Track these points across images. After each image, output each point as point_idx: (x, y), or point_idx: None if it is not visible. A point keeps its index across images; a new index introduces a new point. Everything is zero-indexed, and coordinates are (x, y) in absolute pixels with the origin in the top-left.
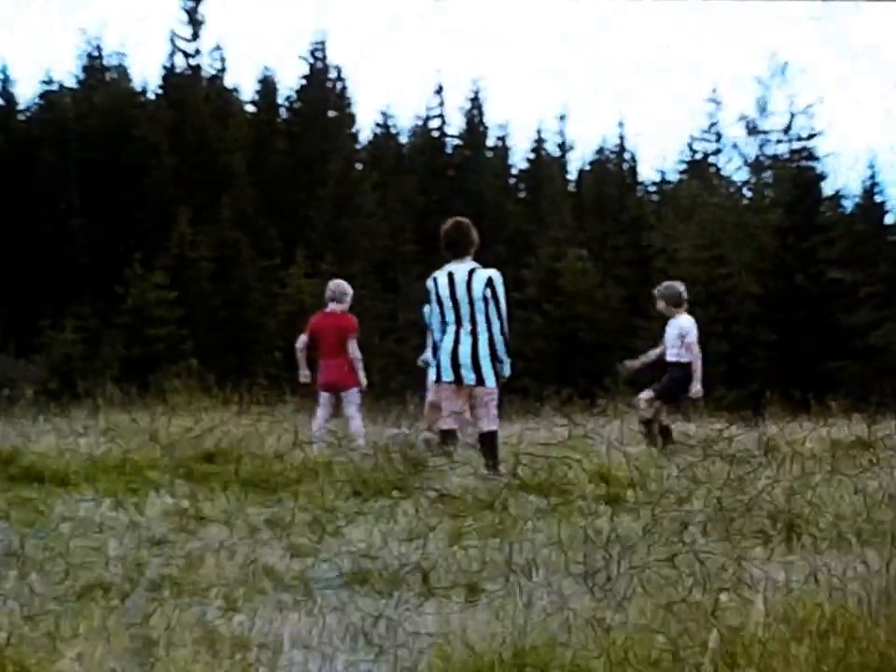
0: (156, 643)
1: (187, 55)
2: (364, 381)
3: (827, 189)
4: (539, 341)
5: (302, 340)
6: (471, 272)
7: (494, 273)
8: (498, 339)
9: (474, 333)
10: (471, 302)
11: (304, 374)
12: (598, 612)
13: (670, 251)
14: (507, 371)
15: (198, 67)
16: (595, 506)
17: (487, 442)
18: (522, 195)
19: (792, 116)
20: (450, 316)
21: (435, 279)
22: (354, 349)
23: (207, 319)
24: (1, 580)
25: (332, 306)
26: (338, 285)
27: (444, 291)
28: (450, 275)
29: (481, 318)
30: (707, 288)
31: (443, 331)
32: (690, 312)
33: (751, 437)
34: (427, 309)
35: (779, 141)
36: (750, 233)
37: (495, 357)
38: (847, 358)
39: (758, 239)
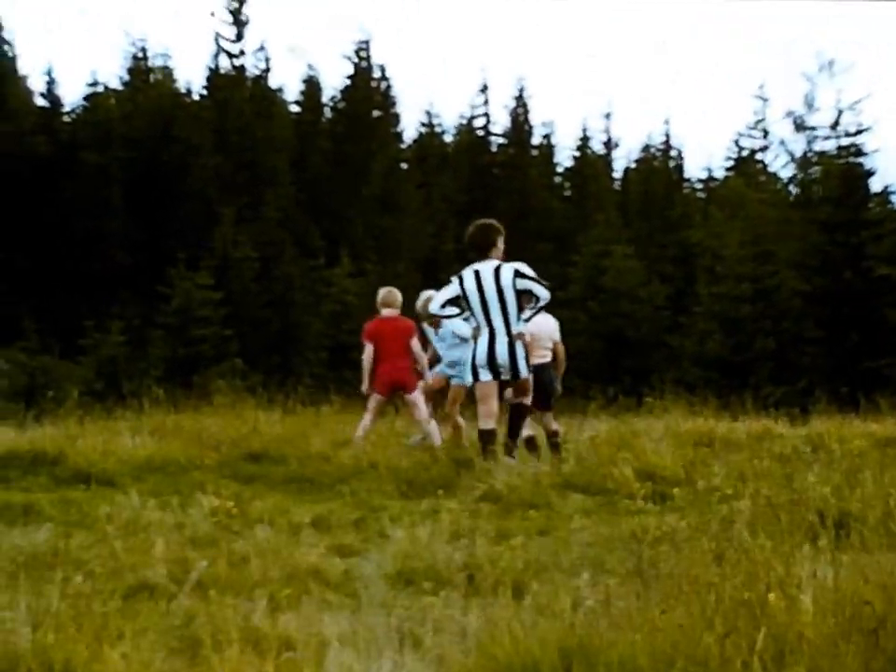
0: (202, 643)
1: (231, 55)
2: (429, 379)
3: (875, 184)
4: (583, 339)
5: (370, 350)
6: (497, 268)
7: (520, 264)
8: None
9: (507, 330)
10: (502, 299)
11: (366, 387)
12: (645, 611)
13: (716, 248)
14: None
15: (242, 68)
16: (642, 504)
17: (524, 413)
18: (567, 193)
19: (840, 112)
20: (480, 315)
21: (461, 277)
22: (418, 349)
23: (251, 319)
24: (47, 581)
25: (387, 311)
26: (390, 291)
27: (472, 289)
28: (476, 273)
29: (513, 313)
30: (754, 285)
31: (475, 330)
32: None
33: (799, 434)
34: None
35: (827, 137)
36: (797, 230)
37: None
38: (895, 355)
39: (805, 235)
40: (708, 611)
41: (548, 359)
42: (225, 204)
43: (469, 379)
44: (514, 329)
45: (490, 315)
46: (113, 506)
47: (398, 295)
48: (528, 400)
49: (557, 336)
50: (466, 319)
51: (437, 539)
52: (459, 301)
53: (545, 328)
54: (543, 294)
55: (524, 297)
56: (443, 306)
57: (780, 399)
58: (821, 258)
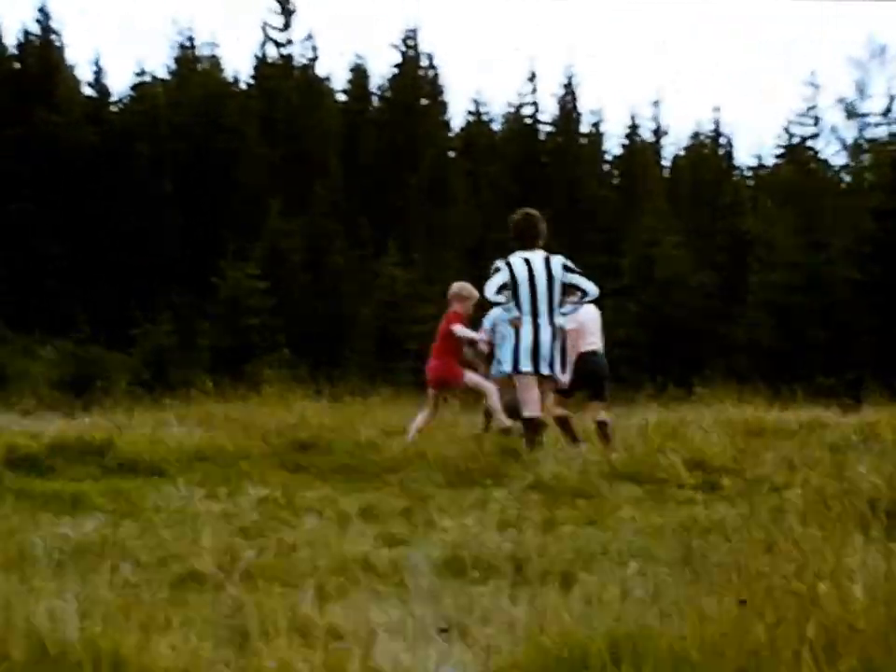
0: (250, 633)
1: (278, 45)
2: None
3: None
4: (633, 329)
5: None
6: (547, 258)
7: (563, 257)
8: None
9: (552, 321)
10: (550, 290)
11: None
12: (695, 601)
13: (767, 237)
14: None
15: (289, 57)
16: (691, 494)
17: (537, 429)
18: (615, 182)
19: (892, 98)
20: (526, 304)
21: (510, 264)
22: (464, 333)
23: (299, 309)
24: (95, 570)
25: (452, 306)
26: (452, 285)
27: (523, 276)
28: (527, 262)
29: (556, 305)
30: (805, 274)
31: (518, 318)
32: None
33: (851, 423)
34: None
35: (878, 124)
36: (849, 218)
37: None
38: None
39: (857, 223)
40: (758, 601)
41: (598, 346)
42: (273, 194)
43: (507, 368)
44: (557, 322)
45: (538, 305)
46: (161, 496)
47: (453, 287)
48: (538, 410)
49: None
50: (508, 309)
51: (485, 529)
52: (506, 288)
53: (593, 315)
54: (592, 290)
55: (569, 290)
56: (498, 292)
57: (831, 388)
58: (874, 246)
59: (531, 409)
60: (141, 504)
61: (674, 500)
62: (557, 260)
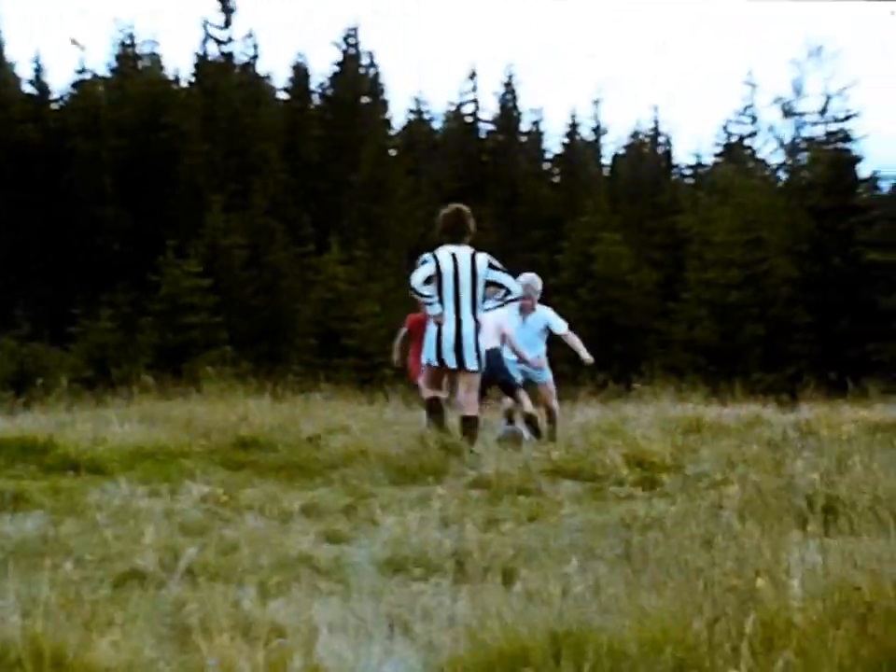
0: (191, 630)
1: (219, 42)
2: None
3: (864, 170)
4: (573, 325)
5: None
6: (473, 254)
7: (489, 255)
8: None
9: (474, 316)
10: (474, 285)
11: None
12: (635, 597)
13: (705, 235)
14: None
15: (230, 54)
16: (631, 490)
17: (471, 427)
18: (556, 180)
19: (828, 97)
20: (449, 298)
21: (436, 257)
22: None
23: (241, 306)
24: (37, 568)
25: None
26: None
27: (448, 270)
28: (453, 256)
29: (480, 300)
30: (743, 271)
31: (440, 314)
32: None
33: (788, 420)
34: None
35: (815, 123)
36: (787, 216)
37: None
38: (885, 341)
39: (794, 221)
40: (697, 597)
41: (495, 345)
42: (214, 192)
43: (431, 361)
44: (479, 318)
45: (461, 300)
46: (103, 493)
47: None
48: (475, 410)
49: (506, 327)
50: (430, 304)
51: (427, 526)
52: (431, 281)
53: (494, 318)
54: (515, 289)
55: (490, 288)
56: (424, 283)
57: (769, 384)
58: (811, 244)
59: (429, 391)
60: (82, 502)
61: (614, 497)
62: (483, 257)
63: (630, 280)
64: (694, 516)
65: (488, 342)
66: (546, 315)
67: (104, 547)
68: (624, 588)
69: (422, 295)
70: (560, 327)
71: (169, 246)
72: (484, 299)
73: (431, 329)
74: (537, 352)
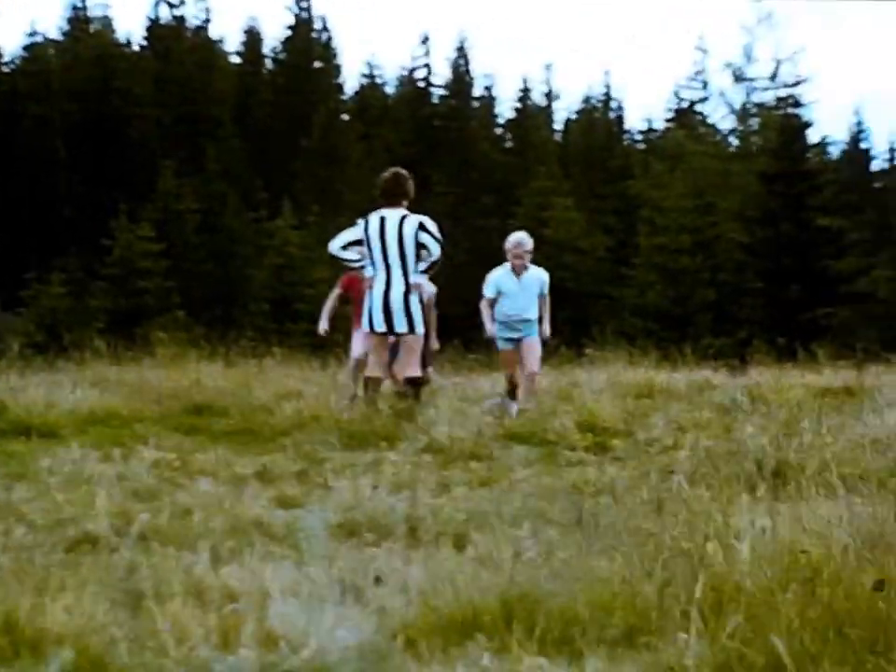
0: (144, 595)
1: (171, 6)
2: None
3: (813, 136)
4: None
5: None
6: (403, 217)
7: (425, 218)
8: (421, 279)
9: (405, 278)
10: (402, 247)
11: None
12: (586, 562)
13: (656, 200)
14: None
15: (182, 18)
16: (583, 456)
17: (415, 386)
18: (508, 145)
19: (778, 63)
20: (378, 261)
21: (367, 221)
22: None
23: (194, 271)
24: None
25: None
26: None
27: (374, 233)
28: (381, 220)
29: (411, 263)
30: (693, 237)
31: (372, 277)
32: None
33: (738, 385)
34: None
35: (766, 88)
36: (737, 181)
37: (422, 302)
38: (834, 305)
39: (744, 187)
40: (648, 562)
41: None
42: (167, 156)
43: (365, 327)
44: (412, 280)
45: (389, 262)
46: (55, 458)
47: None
48: (417, 370)
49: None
50: (363, 266)
51: (379, 491)
52: (362, 247)
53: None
54: (435, 251)
55: (422, 251)
56: (344, 248)
57: (720, 349)
58: (761, 209)
59: (371, 369)
60: (34, 467)
61: (566, 462)
62: (414, 219)
63: (582, 245)
64: (645, 481)
65: None
66: (541, 277)
67: (56, 512)
68: (576, 553)
69: (343, 259)
70: (545, 291)
71: (121, 211)
72: (419, 260)
73: (366, 295)
74: (532, 311)
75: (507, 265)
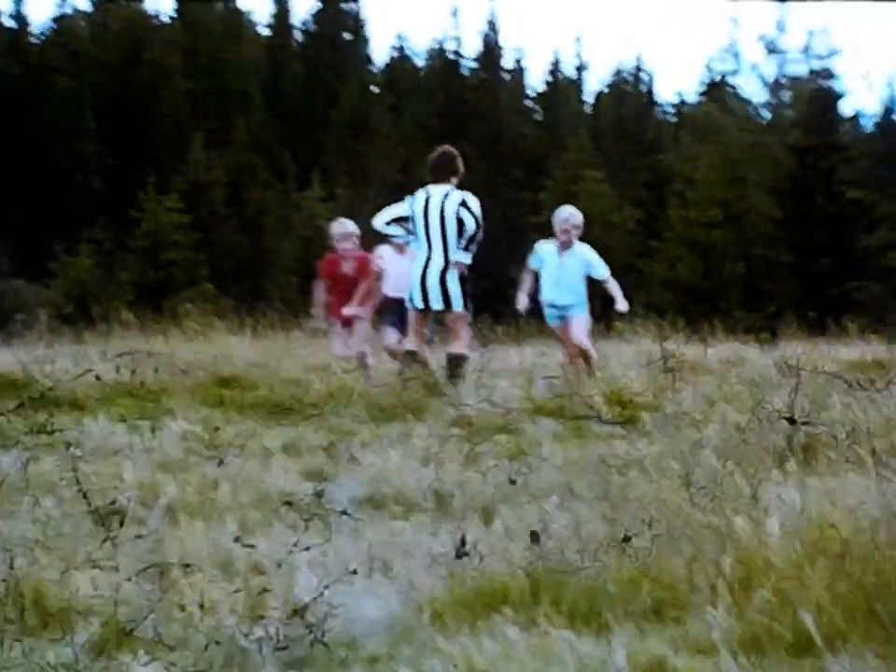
0: (171, 567)
1: None
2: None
3: (846, 108)
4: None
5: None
6: (447, 194)
7: (468, 195)
8: (462, 255)
9: (445, 256)
10: (443, 224)
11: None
12: (613, 536)
13: (687, 173)
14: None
15: None
16: (611, 429)
17: (454, 363)
18: (538, 118)
19: (811, 35)
20: (421, 238)
21: (413, 197)
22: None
23: (222, 244)
24: (16, 505)
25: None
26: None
27: (419, 210)
28: (427, 196)
29: (452, 240)
30: (724, 210)
31: (415, 254)
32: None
33: (768, 358)
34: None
35: (798, 61)
36: (769, 155)
37: (464, 280)
38: (865, 279)
39: (776, 160)
40: (676, 536)
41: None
42: (196, 128)
43: (407, 303)
44: (452, 257)
45: (430, 239)
46: (83, 431)
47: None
48: (461, 347)
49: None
50: (408, 242)
51: (407, 464)
52: (407, 223)
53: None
54: (470, 227)
55: (463, 226)
56: (388, 224)
57: (750, 323)
58: (792, 182)
59: (409, 342)
60: (62, 438)
61: (594, 436)
62: (457, 196)
63: (612, 218)
64: (674, 455)
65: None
66: (587, 257)
67: (84, 484)
68: (603, 527)
69: (388, 234)
70: (602, 272)
71: (150, 183)
72: (461, 237)
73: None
74: (573, 294)
75: (554, 241)
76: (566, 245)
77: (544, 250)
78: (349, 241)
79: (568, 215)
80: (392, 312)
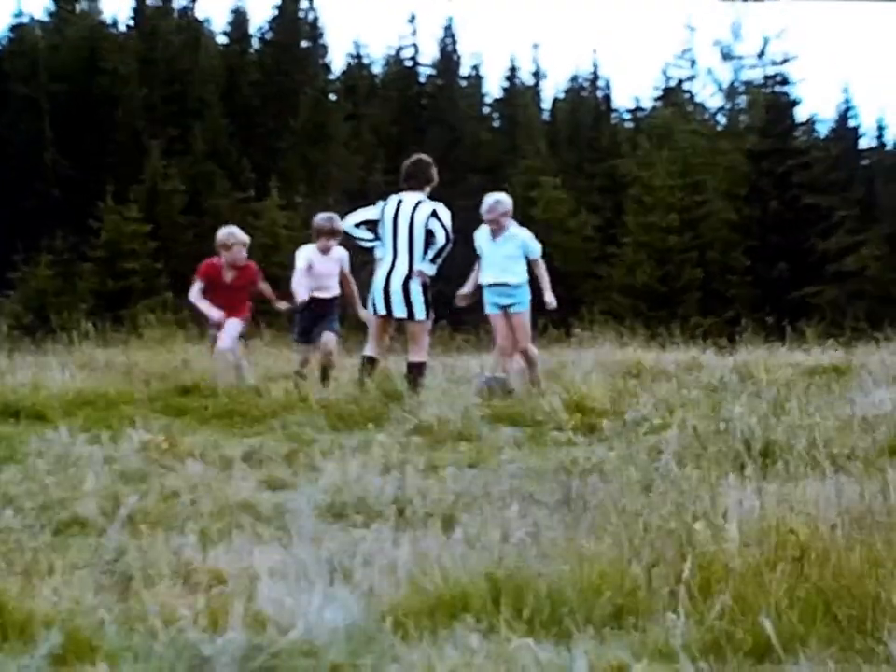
0: (133, 578)
1: None
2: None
3: (801, 114)
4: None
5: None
6: (418, 203)
7: (440, 205)
8: (427, 266)
9: (409, 264)
10: (411, 232)
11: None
12: (574, 542)
13: (645, 178)
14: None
15: None
16: (571, 436)
17: (414, 372)
18: (496, 124)
19: (766, 40)
20: (388, 244)
21: (385, 202)
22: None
23: (181, 252)
24: None
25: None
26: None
27: (389, 216)
28: (398, 203)
29: (418, 249)
30: (682, 215)
31: (379, 259)
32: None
33: (726, 364)
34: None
35: (753, 66)
36: (725, 160)
37: (426, 289)
38: (822, 284)
39: (732, 165)
40: (636, 541)
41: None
42: (154, 137)
43: (368, 308)
44: (416, 266)
45: (396, 245)
46: (43, 441)
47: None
48: (420, 356)
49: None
50: (373, 248)
51: (367, 473)
52: (376, 227)
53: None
54: (440, 239)
55: (431, 238)
56: (357, 226)
57: (708, 328)
58: (749, 187)
59: (368, 348)
60: (22, 449)
61: (554, 442)
62: (428, 206)
63: (569, 224)
64: (633, 461)
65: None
66: (521, 237)
67: (44, 494)
68: (564, 533)
69: (356, 237)
70: (534, 251)
71: (108, 192)
72: (426, 248)
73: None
74: (511, 275)
75: (487, 227)
76: (497, 232)
77: (479, 237)
78: (238, 249)
79: (494, 202)
80: (309, 313)
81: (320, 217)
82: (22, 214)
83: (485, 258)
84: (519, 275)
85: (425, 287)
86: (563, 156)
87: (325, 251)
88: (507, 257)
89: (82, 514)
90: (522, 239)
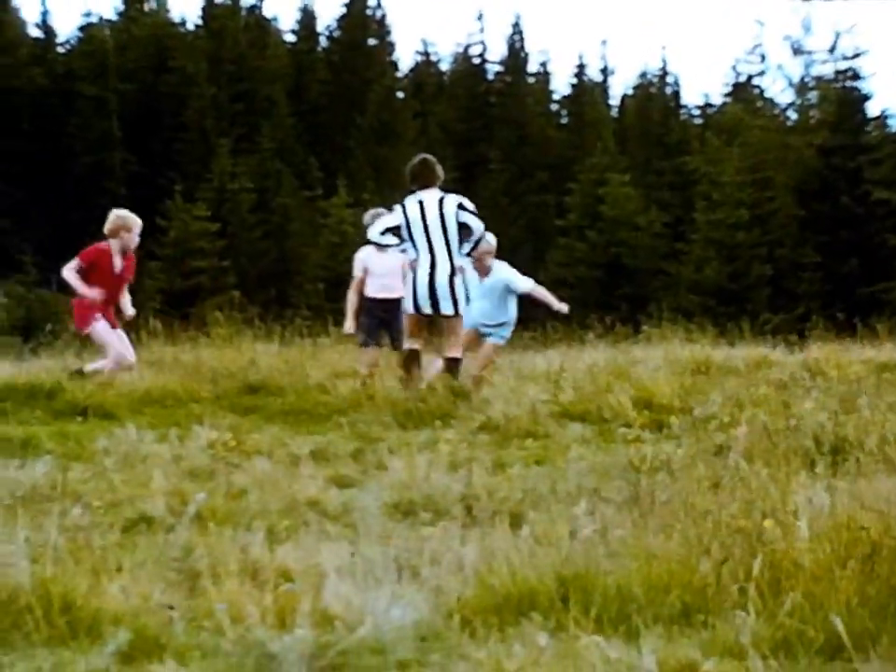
0: (200, 575)
1: None
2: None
3: (873, 109)
4: (581, 267)
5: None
6: (441, 198)
7: (462, 197)
8: (465, 260)
9: (450, 260)
10: (445, 228)
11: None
12: (642, 540)
13: (713, 175)
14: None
15: None
16: (639, 433)
17: (455, 367)
18: (564, 121)
19: (837, 35)
20: (422, 244)
21: (403, 206)
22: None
23: (249, 251)
24: (46, 514)
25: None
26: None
27: (415, 217)
28: (420, 203)
29: (455, 244)
30: (752, 211)
31: (415, 260)
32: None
33: (796, 361)
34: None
35: (824, 61)
36: (795, 155)
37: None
38: (893, 280)
39: (802, 161)
40: (705, 539)
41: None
42: (221, 136)
43: (409, 309)
44: (456, 261)
45: (432, 244)
46: (111, 439)
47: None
48: (459, 351)
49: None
50: (404, 251)
51: (435, 470)
52: (401, 232)
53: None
54: (478, 229)
55: (463, 231)
56: (382, 234)
57: (777, 325)
58: (819, 183)
59: (409, 342)
60: (91, 447)
61: (622, 440)
62: (452, 199)
63: (638, 221)
64: (702, 458)
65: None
66: (504, 274)
67: (112, 492)
68: (632, 531)
69: (384, 245)
70: (521, 285)
71: (177, 191)
72: (461, 241)
73: (409, 278)
74: (507, 316)
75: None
76: (483, 271)
77: (468, 280)
78: (135, 234)
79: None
80: (373, 315)
81: (370, 215)
82: (90, 212)
83: (474, 300)
84: (510, 313)
85: (463, 281)
86: (631, 153)
87: (382, 249)
88: (500, 297)
89: (150, 512)
90: (506, 277)
